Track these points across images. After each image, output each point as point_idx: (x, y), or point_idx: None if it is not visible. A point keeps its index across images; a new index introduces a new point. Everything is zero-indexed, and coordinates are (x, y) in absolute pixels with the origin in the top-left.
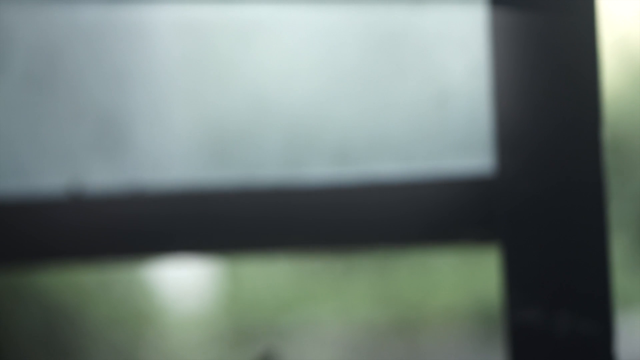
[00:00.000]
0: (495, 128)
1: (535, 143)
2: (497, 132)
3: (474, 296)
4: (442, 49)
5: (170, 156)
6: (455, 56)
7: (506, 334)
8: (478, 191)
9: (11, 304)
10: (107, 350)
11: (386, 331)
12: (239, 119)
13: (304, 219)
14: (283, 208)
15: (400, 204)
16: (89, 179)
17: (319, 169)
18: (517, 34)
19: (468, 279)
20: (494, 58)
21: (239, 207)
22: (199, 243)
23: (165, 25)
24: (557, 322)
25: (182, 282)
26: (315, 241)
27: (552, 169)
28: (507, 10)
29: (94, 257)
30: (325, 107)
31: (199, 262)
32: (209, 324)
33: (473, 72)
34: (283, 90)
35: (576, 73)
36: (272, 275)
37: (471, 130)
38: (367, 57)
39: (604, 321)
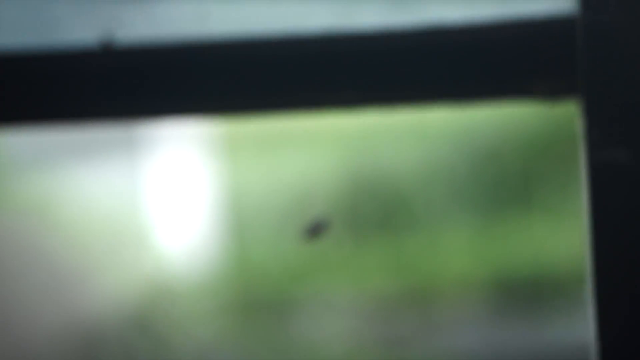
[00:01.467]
0: None
1: None
2: None
3: (489, 266)
4: None
5: (208, 9)
6: None
7: (587, 176)
8: (555, 34)
9: None
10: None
11: (399, 301)
12: None
13: (355, 67)
14: (332, 56)
15: (463, 51)
16: (123, 31)
17: (372, 17)
18: None
19: (483, 249)
20: None
21: (284, 57)
22: (242, 95)
23: None
24: None
25: (192, 251)
26: (369, 93)
27: None
28: None
29: (124, 110)
30: None
31: (242, 116)
32: (220, 294)
33: None
34: None
35: None
36: (283, 245)
37: None
38: None
39: None
